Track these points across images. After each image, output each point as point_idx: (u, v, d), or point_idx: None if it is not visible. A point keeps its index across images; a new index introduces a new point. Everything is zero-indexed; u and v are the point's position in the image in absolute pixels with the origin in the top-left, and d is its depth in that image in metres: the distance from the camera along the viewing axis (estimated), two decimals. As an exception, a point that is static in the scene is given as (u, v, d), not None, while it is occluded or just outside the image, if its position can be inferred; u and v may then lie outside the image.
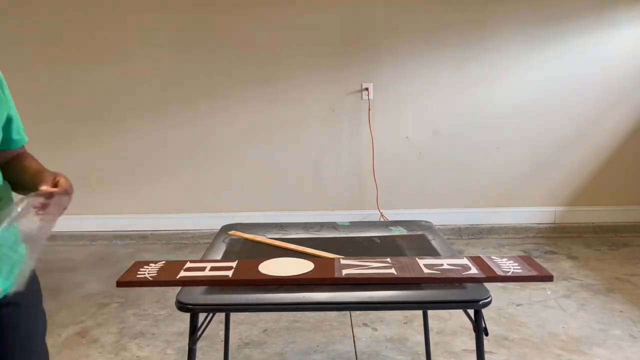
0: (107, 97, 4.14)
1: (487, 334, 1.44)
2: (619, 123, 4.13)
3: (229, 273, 1.51)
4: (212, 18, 4.04)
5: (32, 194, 1.14)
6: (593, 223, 4.21)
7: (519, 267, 1.54)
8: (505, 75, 4.07)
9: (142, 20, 4.05)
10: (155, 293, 3.07)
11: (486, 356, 1.49)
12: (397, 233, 1.99)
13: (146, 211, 4.28)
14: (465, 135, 4.12)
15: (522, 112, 4.09)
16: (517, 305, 2.88)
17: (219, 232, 2.06)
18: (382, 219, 3.99)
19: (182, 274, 1.52)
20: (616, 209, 4.24)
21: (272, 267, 1.54)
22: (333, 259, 1.62)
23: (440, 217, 3.94)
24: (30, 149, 4.59)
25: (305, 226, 2.11)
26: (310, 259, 1.60)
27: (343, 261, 1.58)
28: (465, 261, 1.57)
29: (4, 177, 1.25)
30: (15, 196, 1.25)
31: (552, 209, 4.24)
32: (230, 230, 2.04)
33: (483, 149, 4.13)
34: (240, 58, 4.08)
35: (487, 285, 1.44)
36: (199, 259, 1.70)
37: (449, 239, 2.06)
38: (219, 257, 1.74)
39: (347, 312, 2.76)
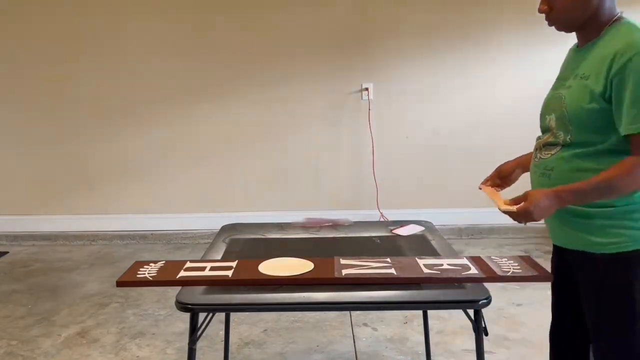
0: (107, 98, 4.14)
1: (487, 334, 1.44)
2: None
3: (229, 273, 1.51)
4: (212, 19, 4.03)
5: None
6: (593, 223, 4.20)
7: (518, 267, 1.54)
8: (505, 75, 4.07)
9: (143, 22, 4.04)
10: (155, 293, 3.07)
11: (486, 356, 1.49)
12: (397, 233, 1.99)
13: (146, 211, 4.28)
14: (465, 135, 4.11)
15: (522, 111, 4.07)
16: (517, 305, 2.88)
17: (219, 232, 2.06)
18: (382, 219, 3.99)
19: (182, 274, 1.52)
20: (616, 209, 4.23)
21: (272, 267, 1.54)
22: (333, 258, 1.62)
23: (440, 217, 3.93)
24: (31, 149, 4.60)
25: (305, 226, 2.11)
26: (310, 259, 1.60)
27: (343, 261, 1.58)
28: (465, 261, 1.57)
29: None
30: None
31: (552, 209, 4.23)
32: (230, 231, 2.04)
33: (483, 148, 4.13)
34: (241, 59, 4.07)
35: (487, 285, 1.44)
36: (199, 259, 1.70)
37: (449, 239, 2.07)
38: (219, 257, 1.74)
39: (347, 312, 2.76)
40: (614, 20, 1.32)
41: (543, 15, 1.38)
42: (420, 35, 4.04)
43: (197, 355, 1.47)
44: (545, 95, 1.49)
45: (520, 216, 1.30)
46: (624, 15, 1.34)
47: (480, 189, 1.65)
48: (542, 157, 1.42)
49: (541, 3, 1.36)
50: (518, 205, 1.31)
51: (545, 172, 1.41)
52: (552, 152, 1.39)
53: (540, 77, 4.06)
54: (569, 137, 1.34)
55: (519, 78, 4.06)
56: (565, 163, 1.35)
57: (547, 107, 1.44)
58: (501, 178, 1.65)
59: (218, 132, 4.18)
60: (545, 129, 1.45)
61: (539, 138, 1.49)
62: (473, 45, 4.04)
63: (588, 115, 1.29)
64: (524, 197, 1.32)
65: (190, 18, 4.04)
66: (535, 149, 1.48)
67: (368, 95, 4.07)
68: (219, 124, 4.17)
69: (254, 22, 4.03)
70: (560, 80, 1.43)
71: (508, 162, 1.67)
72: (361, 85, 4.08)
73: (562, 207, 1.30)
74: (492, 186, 1.63)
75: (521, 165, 1.64)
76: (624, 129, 1.24)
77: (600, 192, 1.28)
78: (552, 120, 1.40)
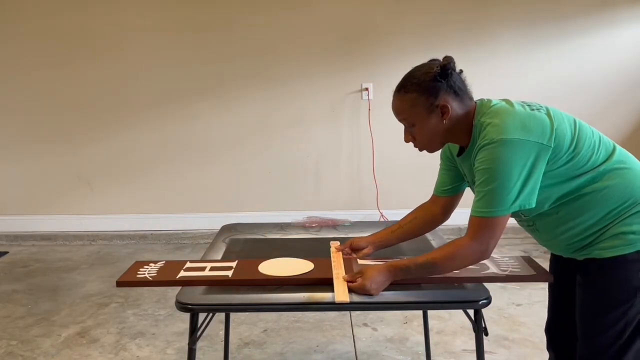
0: (107, 97, 4.14)
1: (487, 334, 1.44)
2: (619, 123, 4.13)
3: (229, 273, 1.51)
4: (212, 18, 4.03)
5: None
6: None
7: (518, 267, 1.54)
8: (505, 75, 4.07)
9: (142, 20, 4.04)
10: (155, 293, 3.07)
11: (486, 356, 1.49)
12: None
13: (146, 211, 4.27)
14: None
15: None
16: (517, 305, 2.88)
17: (219, 232, 2.06)
18: (382, 219, 3.99)
19: (182, 274, 1.52)
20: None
21: (272, 267, 1.54)
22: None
23: (440, 217, 3.93)
24: (31, 149, 4.59)
25: (305, 226, 2.12)
26: (310, 259, 1.60)
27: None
28: None
29: None
30: None
31: (552, 209, 4.22)
32: (230, 231, 2.04)
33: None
34: (241, 58, 4.07)
35: (487, 285, 1.44)
36: (199, 259, 1.71)
37: (449, 239, 2.06)
38: (219, 257, 1.74)
39: (347, 312, 2.76)
40: (473, 116, 1.38)
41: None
42: (420, 34, 4.04)
43: (197, 355, 1.47)
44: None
45: (358, 290, 1.37)
46: (477, 101, 1.41)
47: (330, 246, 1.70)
48: (523, 214, 1.42)
49: (405, 134, 1.45)
50: (355, 283, 1.38)
51: (531, 227, 1.45)
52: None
53: (539, 77, 4.10)
54: (526, 217, 1.41)
55: (518, 77, 4.06)
56: (544, 218, 1.39)
57: None
58: (354, 250, 1.69)
59: (218, 132, 4.18)
60: None
61: None
62: (472, 44, 4.04)
63: None
64: (360, 274, 1.41)
65: (190, 18, 4.03)
66: None
67: (368, 95, 4.07)
68: (219, 124, 4.17)
69: (253, 22, 4.03)
70: (472, 184, 1.47)
71: (360, 238, 1.72)
72: (361, 85, 4.09)
73: (395, 279, 1.40)
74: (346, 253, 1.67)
75: (374, 243, 1.69)
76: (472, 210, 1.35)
77: (425, 271, 1.39)
78: None
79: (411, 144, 1.46)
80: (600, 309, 1.35)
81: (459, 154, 1.48)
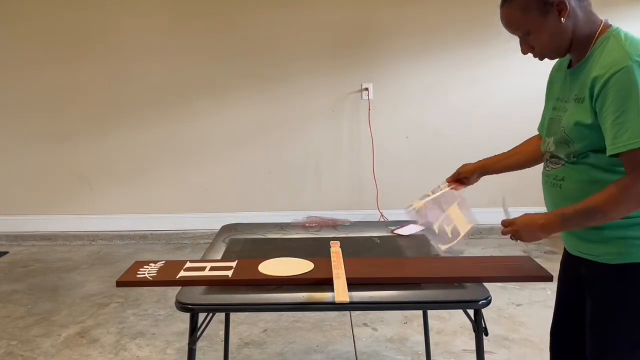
0: (107, 98, 4.14)
1: (487, 334, 1.44)
2: (619, 123, 4.13)
3: (229, 273, 1.51)
4: (213, 19, 4.03)
5: None
6: (593, 223, 4.20)
7: (518, 267, 1.54)
8: (505, 75, 4.06)
9: (143, 20, 4.04)
10: (155, 293, 3.07)
11: (486, 356, 1.49)
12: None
13: (146, 211, 4.27)
14: (465, 135, 4.11)
15: (522, 111, 4.07)
16: (517, 305, 2.88)
17: (219, 232, 2.06)
18: (382, 219, 3.99)
19: (182, 274, 1.52)
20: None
21: (272, 267, 1.54)
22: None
23: (440, 217, 3.93)
24: (31, 149, 4.59)
25: (305, 226, 2.12)
26: (310, 259, 1.60)
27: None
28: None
29: None
30: None
31: (552, 209, 4.22)
32: (230, 231, 2.04)
33: (483, 148, 4.10)
34: (241, 58, 4.07)
35: (487, 285, 1.44)
36: (199, 259, 1.71)
37: (449, 239, 2.07)
38: (219, 257, 1.74)
39: (347, 312, 2.76)
40: (600, 33, 1.27)
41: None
42: (420, 34, 4.04)
43: (197, 355, 1.47)
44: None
45: (511, 225, 1.39)
46: (610, 22, 1.29)
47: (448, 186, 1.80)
48: (553, 166, 1.37)
49: (521, 46, 1.35)
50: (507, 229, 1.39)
51: (556, 182, 1.36)
52: (562, 163, 1.34)
53: (541, 76, 4.08)
54: (572, 155, 1.30)
55: (519, 77, 4.05)
56: (576, 174, 1.30)
57: (547, 130, 1.41)
58: (460, 179, 1.75)
59: (218, 132, 4.18)
60: (545, 151, 1.42)
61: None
62: (473, 44, 4.04)
63: (588, 131, 1.25)
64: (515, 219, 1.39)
65: (190, 19, 4.03)
66: (545, 159, 1.42)
67: (368, 95, 4.07)
68: (219, 124, 4.17)
69: (253, 22, 4.03)
70: (559, 101, 1.38)
71: (469, 164, 1.74)
72: (361, 85, 4.08)
73: (550, 232, 1.33)
74: (453, 182, 1.78)
75: (481, 168, 1.73)
76: (608, 150, 1.21)
77: (585, 219, 1.26)
78: (550, 143, 1.38)
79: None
80: (614, 316, 1.30)
81: (569, 66, 1.36)
